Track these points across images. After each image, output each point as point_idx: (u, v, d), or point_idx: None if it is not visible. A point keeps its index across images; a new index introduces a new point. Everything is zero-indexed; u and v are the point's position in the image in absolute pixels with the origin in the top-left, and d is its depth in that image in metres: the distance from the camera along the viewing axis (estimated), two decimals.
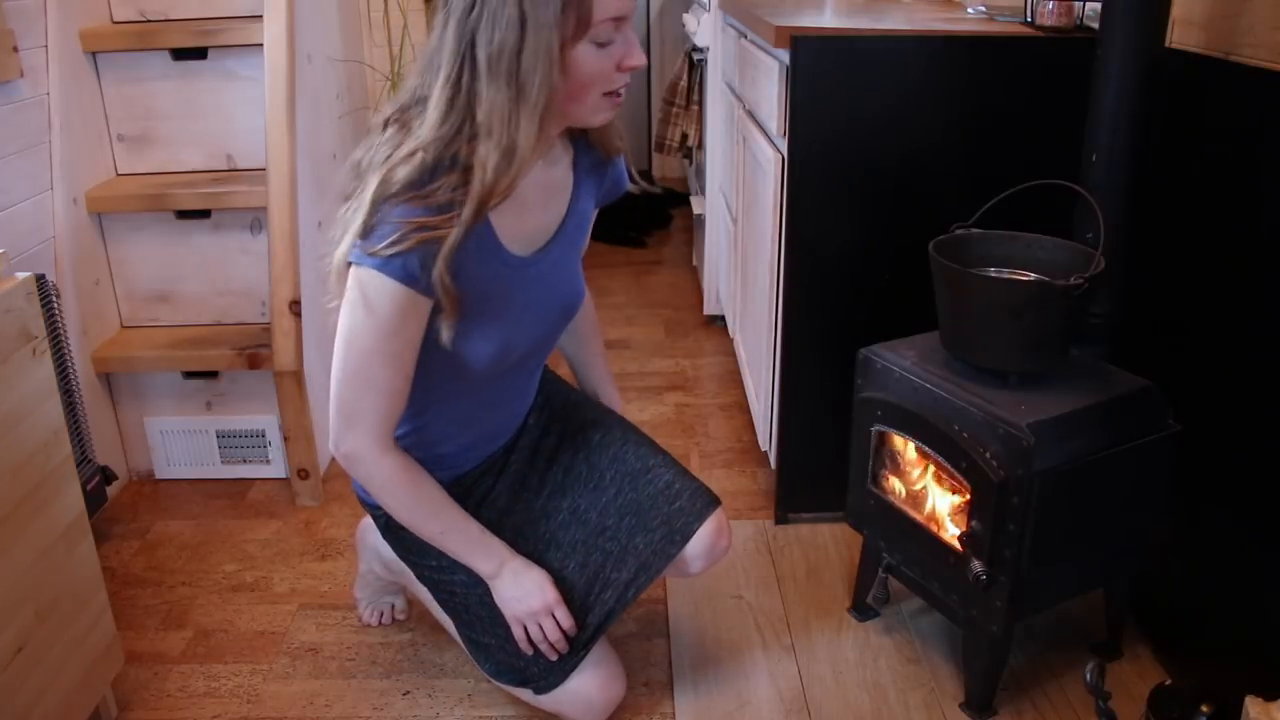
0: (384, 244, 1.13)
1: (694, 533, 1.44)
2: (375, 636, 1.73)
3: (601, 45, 1.14)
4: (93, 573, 1.44)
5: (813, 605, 1.78)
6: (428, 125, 1.15)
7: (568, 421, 1.57)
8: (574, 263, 1.42)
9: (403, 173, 1.14)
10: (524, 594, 1.38)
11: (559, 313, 1.41)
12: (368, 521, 1.68)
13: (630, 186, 1.46)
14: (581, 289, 1.44)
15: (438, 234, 1.14)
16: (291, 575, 1.91)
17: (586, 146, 1.37)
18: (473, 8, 1.10)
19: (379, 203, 1.14)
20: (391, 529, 1.49)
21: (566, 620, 1.39)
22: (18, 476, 1.26)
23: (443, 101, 1.14)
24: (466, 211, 1.15)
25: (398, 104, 1.21)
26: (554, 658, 1.40)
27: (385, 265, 1.15)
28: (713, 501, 1.48)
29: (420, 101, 1.18)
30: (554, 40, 1.09)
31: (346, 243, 1.17)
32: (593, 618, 1.41)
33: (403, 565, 1.53)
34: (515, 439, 1.53)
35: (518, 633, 1.39)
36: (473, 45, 1.11)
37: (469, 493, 1.47)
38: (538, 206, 1.31)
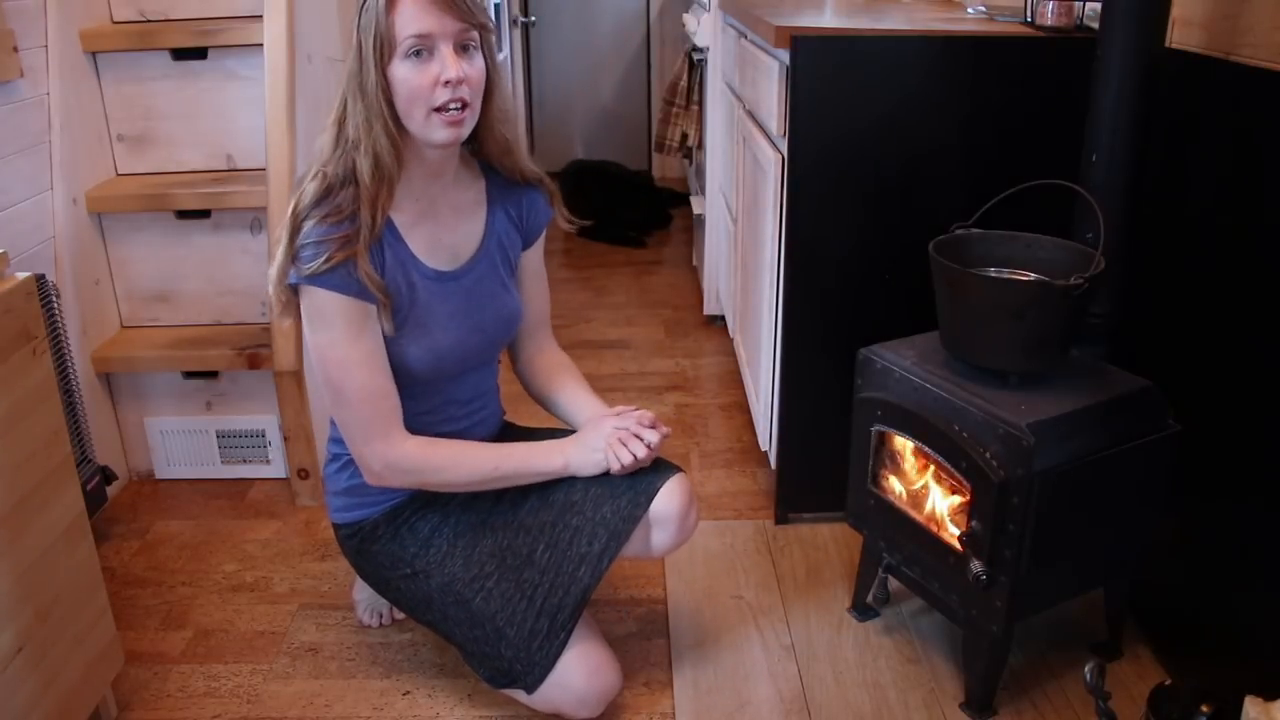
0: (315, 263, 1.30)
1: (658, 489, 1.46)
2: (375, 636, 1.73)
3: (417, 62, 1.28)
4: (93, 573, 1.44)
5: (813, 605, 1.78)
6: (325, 144, 1.35)
7: (533, 437, 1.62)
8: (503, 279, 1.51)
9: (310, 190, 1.33)
10: (597, 448, 1.46)
11: (493, 323, 1.50)
12: None
13: (563, 225, 1.58)
14: (517, 308, 1.55)
15: (353, 243, 1.31)
16: (291, 575, 1.91)
17: (499, 178, 1.50)
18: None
19: (298, 221, 1.32)
20: (362, 551, 1.54)
21: (636, 419, 1.47)
22: (18, 476, 1.26)
23: (334, 124, 1.34)
24: (363, 214, 1.31)
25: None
26: (655, 438, 1.46)
27: (322, 281, 1.31)
28: (676, 468, 1.51)
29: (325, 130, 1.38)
30: (372, 60, 1.28)
31: (279, 260, 1.33)
32: (568, 598, 1.42)
33: None
34: None
35: (618, 463, 1.44)
36: (346, 76, 1.32)
37: (434, 498, 1.52)
38: (450, 226, 1.45)
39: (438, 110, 1.29)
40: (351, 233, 1.31)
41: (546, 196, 1.55)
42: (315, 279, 1.31)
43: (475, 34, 1.31)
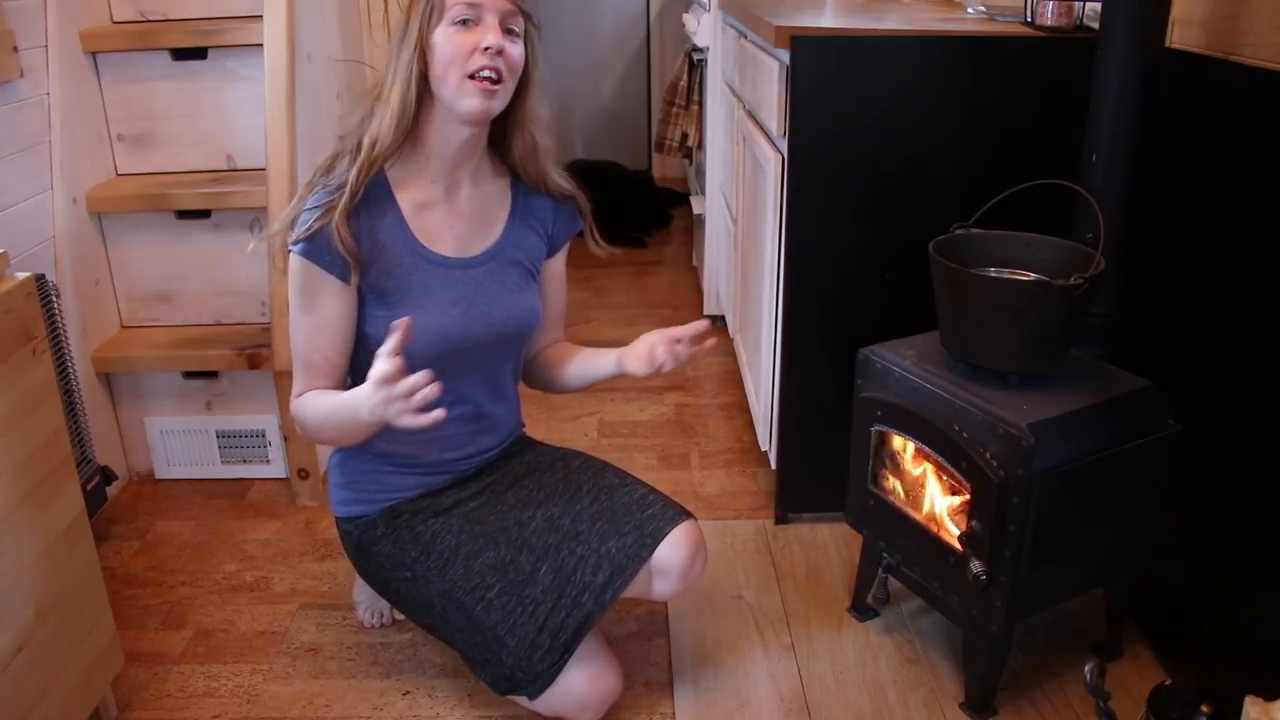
0: (298, 230, 1.35)
1: (665, 535, 1.45)
2: (375, 636, 1.73)
3: (462, 29, 1.31)
4: (93, 573, 1.44)
5: (813, 605, 1.78)
6: (359, 110, 1.39)
7: (549, 455, 1.63)
8: (519, 281, 1.51)
9: (324, 157, 1.39)
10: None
11: (502, 318, 1.48)
12: None
13: (596, 251, 1.60)
14: (534, 309, 1.53)
15: (332, 211, 1.33)
16: (291, 575, 1.91)
17: (525, 186, 1.52)
18: None
19: (311, 186, 1.37)
20: (362, 550, 1.54)
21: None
22: (17, 476, 1.26)
23: (369, 89, 1.39)
24: (350, 177, 1.34)
25: None
26: (420, 400, 1.23)
27: (298, 247, 1.35)
28: (686, 513, 1.50)
29: None
30: (418, 24, 1.32)
31: (285, 215, 1.39)
32: (571, 620, 1.41)
33: None
34: (491, 464, 1.58)
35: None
36: (391, 42, 1.37)
37: (437, 500, 1.52)
38: (463, 216, 1.46)
39: (471, 77, 1.32)
40: (335, 201, 1.34)
41: (576, 211, 1.58)
42: (294, 244, 1.35)
43: (521, 20, 1.36)
